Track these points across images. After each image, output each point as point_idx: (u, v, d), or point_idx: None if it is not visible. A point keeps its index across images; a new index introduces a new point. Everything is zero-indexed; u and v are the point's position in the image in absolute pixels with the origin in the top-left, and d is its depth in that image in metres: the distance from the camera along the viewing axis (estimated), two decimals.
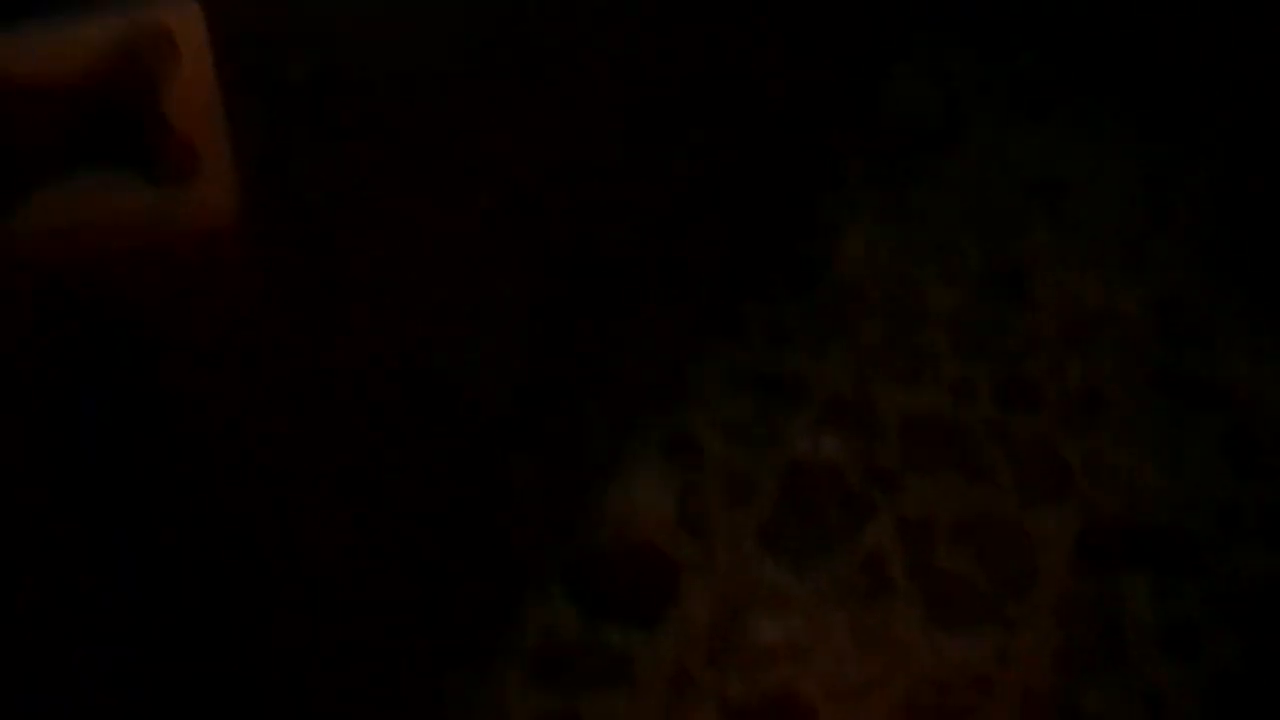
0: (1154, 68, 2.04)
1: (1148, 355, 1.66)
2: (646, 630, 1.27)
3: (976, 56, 2.16)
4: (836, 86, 2.05)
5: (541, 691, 1.21)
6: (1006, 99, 2.07)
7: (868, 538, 1.38)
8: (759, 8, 1.67)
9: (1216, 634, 1.27)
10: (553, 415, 1.47)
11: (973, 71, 2.13)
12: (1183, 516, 1.41)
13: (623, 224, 1.51)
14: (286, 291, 1.17)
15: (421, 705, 1.22)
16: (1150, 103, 2.05)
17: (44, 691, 0.93)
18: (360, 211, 1.20)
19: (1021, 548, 1.37)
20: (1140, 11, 2.03)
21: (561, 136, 1.40)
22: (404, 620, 1.25)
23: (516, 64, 1.38)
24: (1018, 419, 1.54)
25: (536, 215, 1.35)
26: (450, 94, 1.33)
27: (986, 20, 2.10)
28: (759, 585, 1.33)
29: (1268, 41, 1.92)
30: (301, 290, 1.18)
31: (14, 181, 1.09)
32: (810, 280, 1.76)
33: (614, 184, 1.50)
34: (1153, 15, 2.02)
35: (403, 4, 1.37)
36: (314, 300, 1.18)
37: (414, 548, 1.26)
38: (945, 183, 1.97)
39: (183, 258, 1.13)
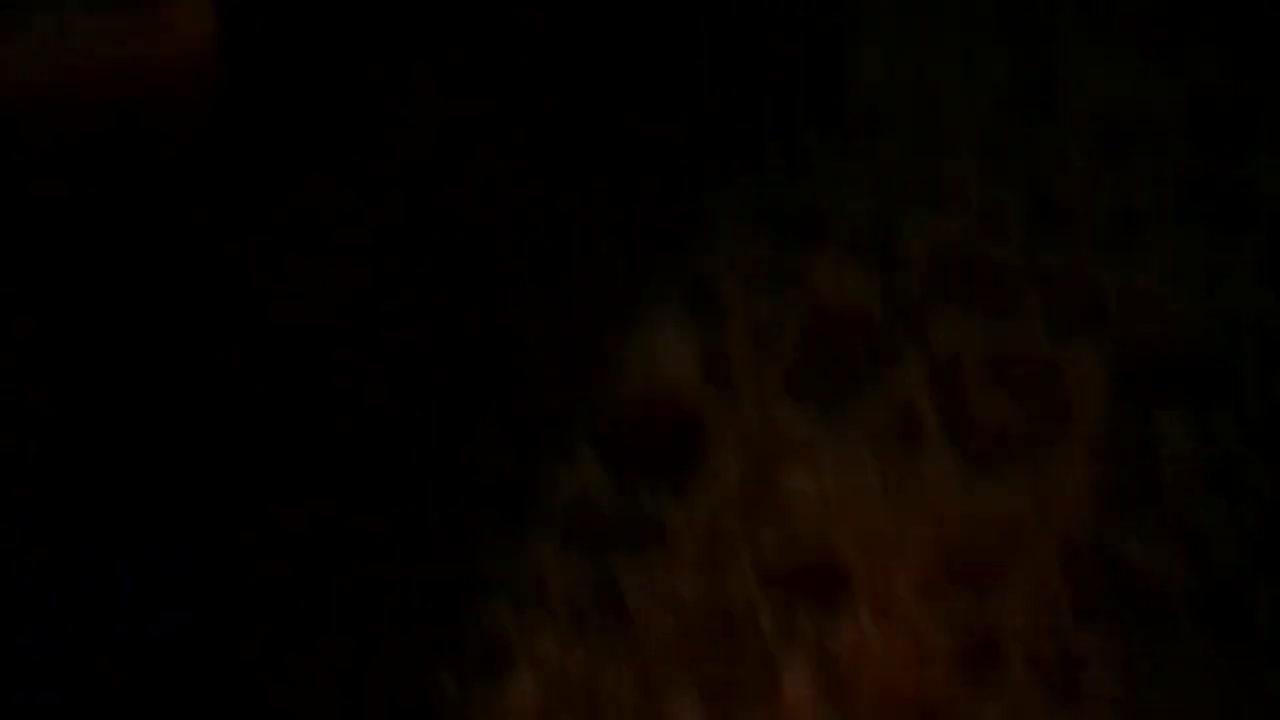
0: None
1: (1184, 164, 1.57)
2: (677, 489, 1.25)
3: None
4: None
5: (576, 556, 1.21)
6: None
7: (897, 381, 1.34)
8: None
9: (1257, 469, 1.25)
10: (565, 262, 1.39)
11: None
12: (1220, 345, 1.37)
13: (630, 60, 1.39)
14: (265, 118, 1.07)
15: (455, 574, 1.22)
16: None
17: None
18: (346, 32, 1.09)
19: (1055, 385, 1.33)
20: None
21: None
22: (429, 488, 1.22)
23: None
24: (1049, 246, 1.47)
25: (540, 58, 1.24)
26: None
27: None
28: (788, 436, 1.30)
29: None
30: (280, 119, 1.08)
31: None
32: (830, 108, 1.65)
33: (619, 22, 1.37)
34: None
35: None
36: (295, 128, 1.08)
37: (430, 406, 1.22)
38: None
39: (162, 82, 1.03)
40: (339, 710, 1.12)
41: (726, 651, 1.15)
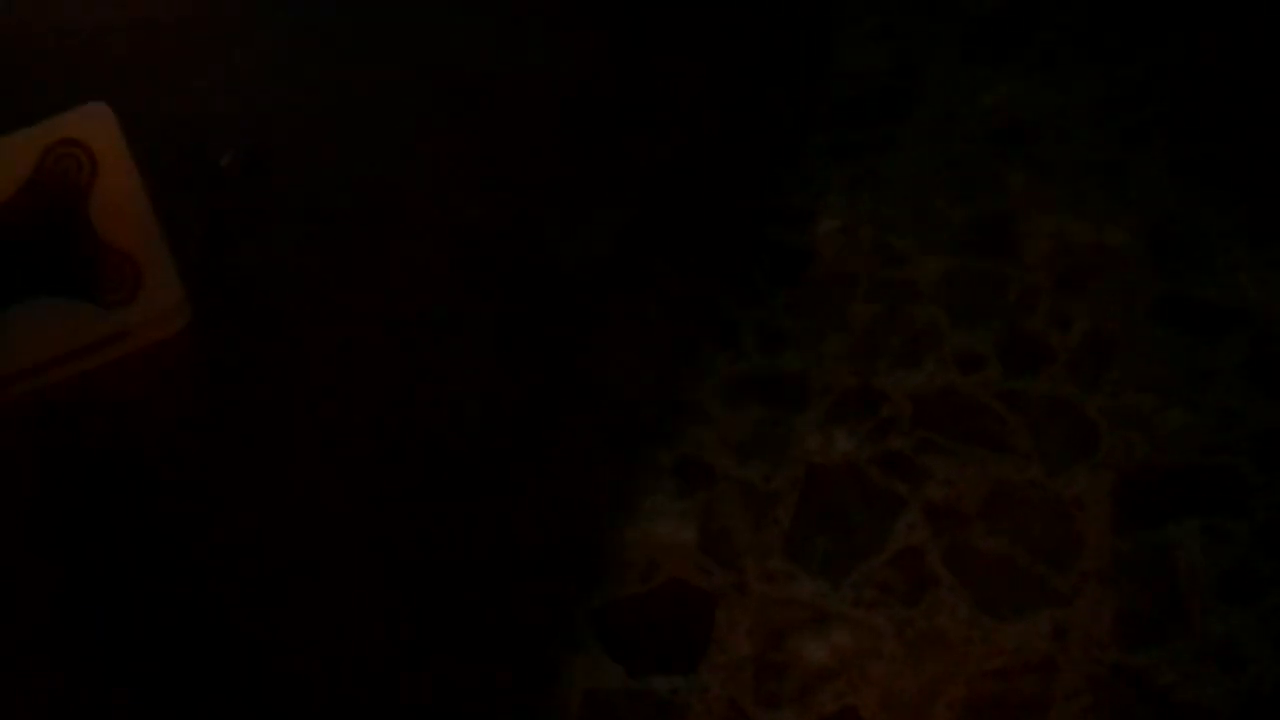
0: None
1: (1149, 288, 1.61)
2: (690, 673, 1.22)
3: (921, 9, 2.11)
4: (781, 66, 2.00)
5: None
6: (959, 49, 2.02)
7: (898, 533, 1.33)
8: (674, 10, 1.61)
9: (1276, 573, 1.21)
10: (549, 463, 1.41)
11: (920, 26, 2.08)
12: (1218, 453, 1.36)
13: (585, 251, 1.46)
14: (244, 384, 1.11)
15: None
16: (1106, 27, 2.00)
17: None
18: (310, 291, 1.15)
19: (1058, 515, 1.31)
20: None
21: (503, 174, 1.34)
22: (435, 708, 1.19)
23: (444, 124, 1.32)
24: (1028, 380, 1.49)
25: (492, 267, 1.30)
26: (384, 160, 1.27)
27: None
28: (796, 604, 1.27)
29: None
30: (259, 379, 1.12)
31: None
32: (794, 272, 1.71)
33: (569, 211, 1.44)
34: None
35: (325, 80, 1.32)
36: (273, 388, 1.12)
37: (424, 629, 1.20)
38: (911, 145, 1.92)
39: (136, 371, 1.08)
40: None
41: None
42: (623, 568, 1.33)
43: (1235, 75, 1.86)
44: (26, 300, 1.05)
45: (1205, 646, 1.16)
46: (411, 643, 1.21)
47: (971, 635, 1.21)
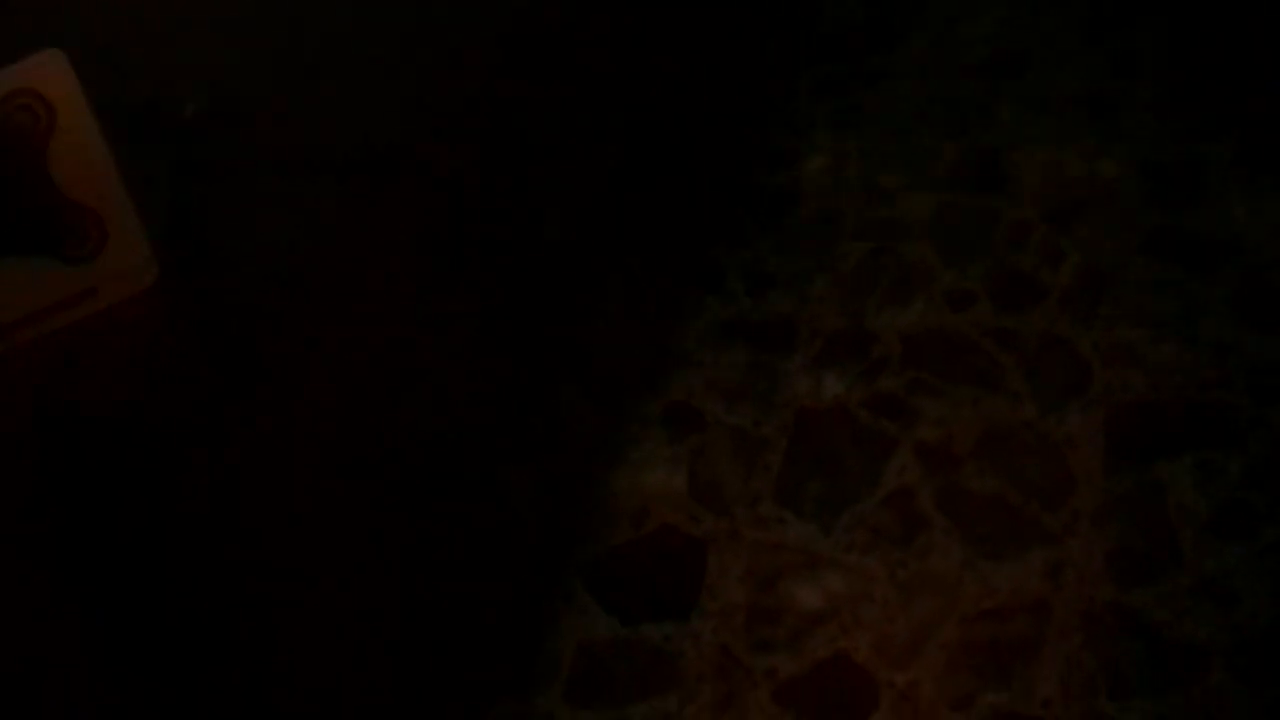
0: None
1: (1141, 221, 1.58)
2: (683, 620, 1.21)
3: None
4: (762, 2, 1.94)
5: (589, 709, 1.16)
6: None
7: (890, 475, 1.31)
8: None
9: (1270, 508, 1.21)
10: (538, 416, 1.39)
11: None
12: (1211, 387, 1.34)
13: (572, 201, 1.42)
14: (213, 340, 1.08)
15: None
16: None
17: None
18: (280, 250, 1.11)
19: (1050, 454, 1.30)
20: None
21: (478, 125, 1.30)
22: (431, 666, 1.18)
23: (422, 68, 1.28)
24: (1020, 318, 1.47)
25: (472, 216, 1.26)
26: (355, 110, 1.23)
27: None
28: (788, 549, 1.26)
29: None
30: (229, 335, 1.09)
31: None
32: (780, 212, 1.68)
33: (552, 161, 1.40)
34: None
35: (291, 28, 1.27)
36: (243, 345, 1.09)
37: (420, 585, 1.19)
38: (898, 79, 1.87)
39: (105, 327, 1.05)
40: None
41: None
42: (613, 517, 1.32)
43: (1226, 2, 1.82)
44: None
45: (1198, 583, 1.15)
46: (405, 601, 1.21)
47: (964, 576, 1.21)
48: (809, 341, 1.49)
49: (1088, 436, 1.31)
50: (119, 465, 1.01)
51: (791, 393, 1.43)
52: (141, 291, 1.06)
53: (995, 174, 1.69)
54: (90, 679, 0.90)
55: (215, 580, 1.00)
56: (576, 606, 1.24)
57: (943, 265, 1.56)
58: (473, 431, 1.25)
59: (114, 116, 1.05)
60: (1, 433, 1.02)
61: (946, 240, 1.60)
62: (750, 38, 1.91)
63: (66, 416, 1.03)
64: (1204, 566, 1.17)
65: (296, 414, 1.06)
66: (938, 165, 1.71)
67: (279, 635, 1.03)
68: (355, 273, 1.16)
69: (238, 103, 1.20)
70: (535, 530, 1.30)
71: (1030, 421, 1.34)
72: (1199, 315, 1.44)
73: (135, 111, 1.15)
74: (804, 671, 1.16)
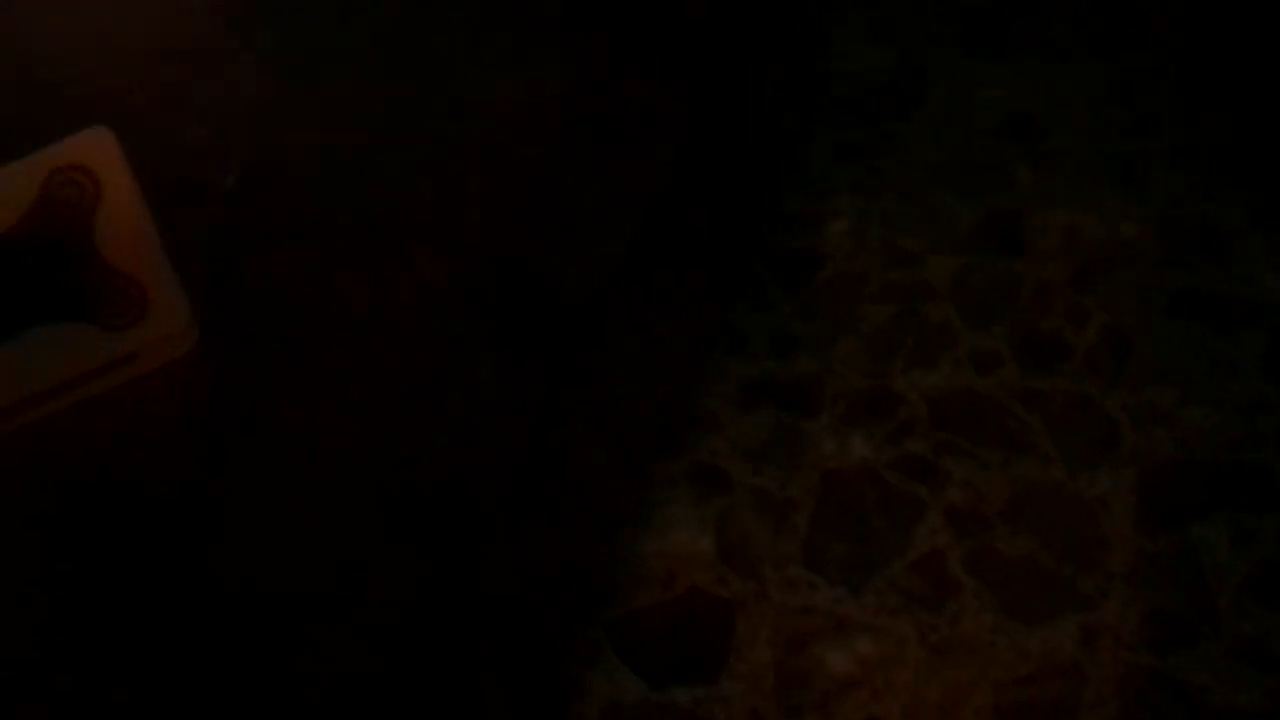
0: None
1: (1165, 282, 1.59)
2: (712, 683, 1.20)
3: (919, 4, 2.09)
4: (779, 68, 1.98)
5: None
6: (959, 44, 2.00)
7: (919, 538, 1.31)
8: (665, 18, 1.60)
9: None
10: (560, 479, 1.39)
11: (919, 21, 2.07)
12: (1243, 448, 1.34)
13: (588, 265, 1.44)
14: (251, 404, 1.10)
15: None
16: (1110, 15, 1.98)
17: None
18: (314, 313, 1.13)
19: (1082, 516, 1.29)
20: None
21: (503, 194, 1.33)
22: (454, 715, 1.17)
23: (444, 138, 1.31)
24: (1047, 378, 1.47)
25: (495, 282, 1.28)
26: (378, 178, 1.26)
27: None
28: (817, 612, 1.25)
29: None
30: (266, 399, 1.11)
31: None
32: (803, 275, 1.69)
33: (569, 226, 1.42)
34: None
35: (323, 98, 1.31)
36: (279, 408, 1.11)
37: (439, 650, 1.19)
38: (916, 143, 1.90)
39: (143, 395, 1.06)
40: None
41: None
42: (640, 579, 1.31)
43: (1245, 61, 1.84)
44: (33, 327, 1.04)
45: (1236, 647, 1.13)
46: (427, 664, 1.20)
47: (997, 641, 1.19)
48: (834, 403, 1.49)
49: (1119, 497, 1.30)
50: (142, 526, 1.02)
51: (817, 454, 1.43)
52: (182, 357, 1.08)
53: (1016, 236, 1.70)
54: None
55: (232, 636, 1.00)
56: (603, 668, 1.24)
57: (967, 327, 1.57)
58: (495, 495, 1.25)
59: (155, 188, 1.08)
60: (32, 496, 1.03)
61: (970, 302, 1.60)
62: (767, 104, 1.95)
63: (98, 481, 1.04)
64: (1241, 630, 1.15)
65: (312, 472, 1.07)
66: (958, 228, 1.73)
67: (294, 695, 1.02)
68: (375, 337, 1.17)
69: (271, 172, 1.23)
70: (559, 590, 1.29)
71: (1061, 483, 1.34)
72: (1227, 375, 1.43)
73: (175, 183, 1.19)
74: None
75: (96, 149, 1.04)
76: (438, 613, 1.24)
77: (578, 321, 1.44)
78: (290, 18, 1.37)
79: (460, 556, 1.24)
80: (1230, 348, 1.47)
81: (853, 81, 2.02)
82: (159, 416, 1.07)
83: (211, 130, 1.26)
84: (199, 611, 1.00)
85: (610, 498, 1.42)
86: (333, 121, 1.32)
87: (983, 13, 2.04)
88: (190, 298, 1.08)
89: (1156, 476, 1.32)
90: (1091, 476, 1.33)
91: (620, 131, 1.53)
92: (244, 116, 1.27)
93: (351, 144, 1.29)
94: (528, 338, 1.36)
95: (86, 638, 0.95)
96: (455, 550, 1.22)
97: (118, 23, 1.28)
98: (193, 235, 1.16)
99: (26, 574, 0.98)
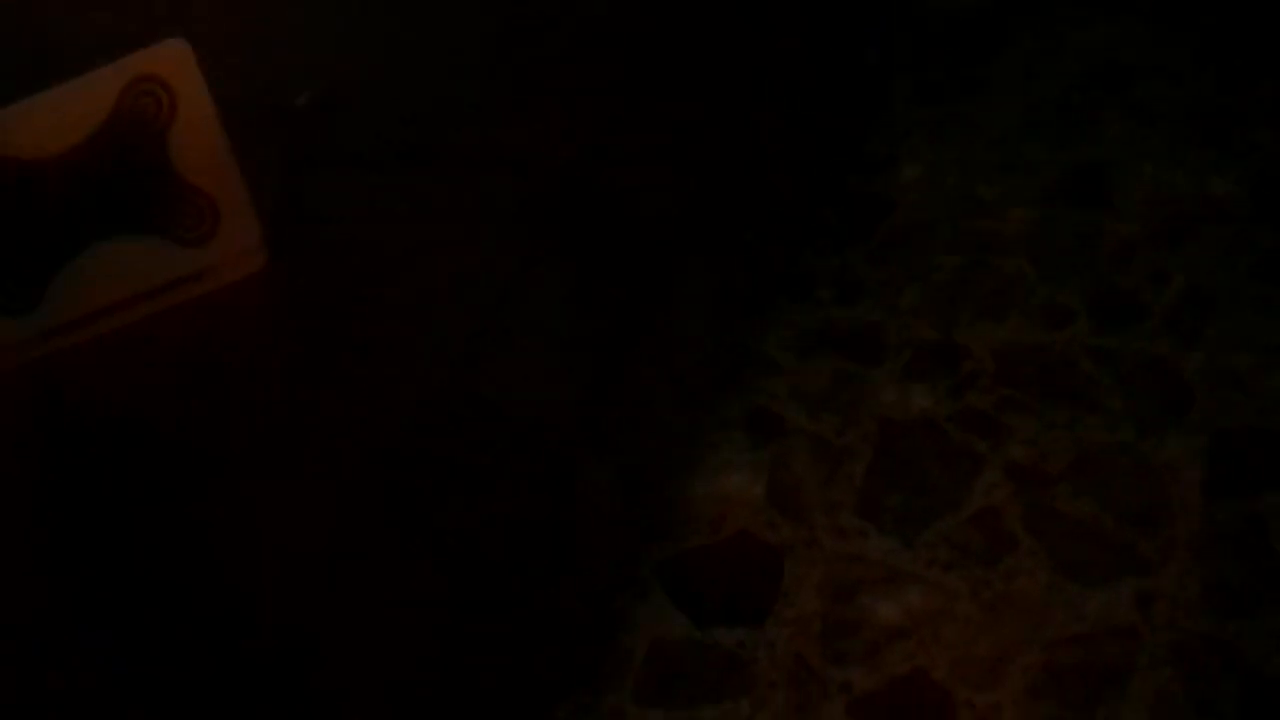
0: None
1: (1253, 242, 1.52)
2: (757, 626, 1.21)
3: None
4: (865, 5, 1.92)
5: (660, 709, 1.16)
6: None
7: (977, 492, 1.29)
8: None
9: None
10: (618, 414, 1.39)
11: None
12: None
13: (659, 200, 1.42)
14: (321, 329, 1.11)
15: None
16: None
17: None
18: (384, 237, 1.14)
19: (1147, 479, 1.26)
20: None
21: (578, 124, 1.31)
22: (499, 658, 1.19)
23: (521, 65, 1.29)
24: (1120, 337, 1.42)
25: (566, 211, 1.27)
26: (458, 105, 1.25)
27: None
28: (867, 561, 1.24)
29: None
30: (334, 321, 1.12)
31: (29, 267, 1.04)
32: (873, 220, 1.66)
33: (646, 158, 1.40)
34: None
35: (397, 22, 1.29)
36: (347, 330, 1.12)
37: (494, 581, 1.20)
38: (1001, 89, 1.83)
39: (216, 312, 1.08)
40: None
41: None
42: (691, 520, 1.32)
43: None
44: (107, 239, 1.05)
45: None
46: (479, 594, 1.22)
47: (1051, 600, 1.17)
48: (897, 352, 1.47)
49: (1187, 463, 1.27)
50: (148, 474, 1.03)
51: (877, 403, 1.41)
52: (253, 274, 1.09)
53: (1099, 189, 1.64)
54: (95, 681, 0.91)
55: (277, 567, 1.02)
56: (651, 605, 1.25)
57: (1040, 280, 1.52)
58: (554, 418, 1.25)
59: (230, 104, 1.08)
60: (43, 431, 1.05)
61: (1045, 255, 1.56)
62: (850, 42, 1.89)
63: (174, 395, 1.07)
64: None
65: (384, 396, 1.08)
66: (1038, 178, 1.67)
67: (328, 626, 1.05)
68: (452, 264, 1.17)
69: (346, 95, 1.23)
70: (612, 524, 1.30)
71: (1127, 444, 1.30)
72: None
73: (250, 100, 1.19)
74: (880, 686, 1.14)
75: (173, 62, 1.04)
76: (494, 542, 1.25)
77: (648, 254, 1.43)
78: None
79: (520, 486, 1.25)
80: None
81: (938, 21, 1.95)
82: (233, 331, 1.09)
83: (290, 51, 1.26)
84: (247, 549, 1.02)
85: (666, 434, 1.42)
86: (410, 49, 1.31)
87: None
88: (261, 216, 1.09)
89: (1227, 443, 1.28)
90: (1160, 440, 1.29)
91: (695, 62, 1.50)
92: (319, 38, 1.27)
93: (427, 71, 1.28)
94: (598, 269, 1.36)
95: (80, 599, 0.97)
96: (517, 479, 1.24)
97: None
98: (266, 154, 1.16)
99: (19, 518, 0.99)
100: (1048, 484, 1.28)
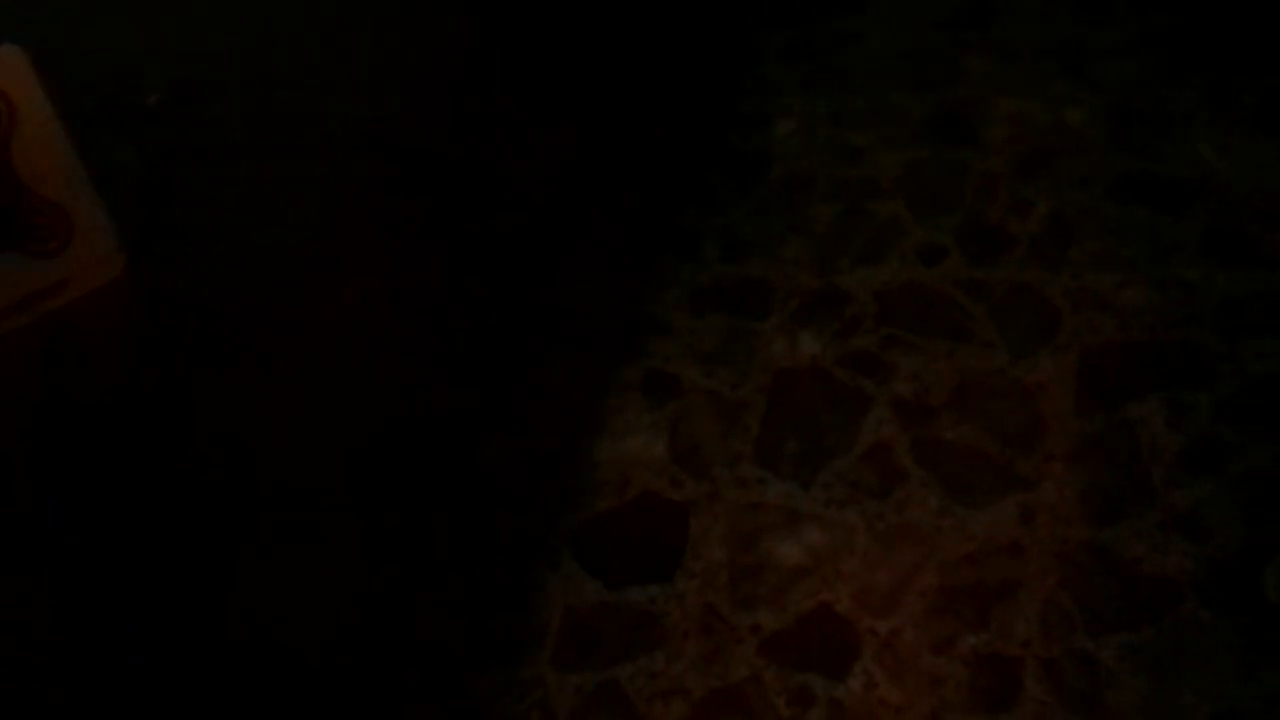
0: None
1: (1109, 166, 1.59)
2: (668, 582, 1.23)
3: None
4: None
5: (577, 671, 1.18)
6: None
7: (866, 431, 1.33)
8: None
9: (1240, 441, 1.23)
10: (517, 386, 1.41)
11: None
12: (1180, 326, 1.36)
13: (542, 173, 1.43)
14: (186, 327, 1.10)
15: (461, 712, 1.19)
16: None
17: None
18: (246, 226, 1.12)
19: (1022, 401, 1.32)
20: None
21: (446, 102, 1.31)
22: (419, 638, 1.20)
23: (386, 44, 1.28)
24: (990, 269, 1.48)
25: (444, 192, 1.27)
26: (316, 88, 1.24)
27: None
28: (769, 507, 1.28)
29: None
30: (201, 324, 1.10)
31: None
32: (753, 177, 1.69)
33: (523, 133, 1.41)
34: None
35: (246, 11, 1.27)
36: (222, 326, 1.10)
37: (404, 563, 1.21)
38: (867, 37, 1.88)
39: (78, 320, 1.06)
40: None
41: None
42: (596, 485, 1.34)
43: None
44: None
45: (1170, 518, 1.17)
46: (392, 577, 1.22)
47: (942, 525, 1.22)
48: (784, 303, 1.50)
49: (1059, 381, 1.33)
50: (101, 445, 1.02)
51: (768, 355, 1.45)
52: (112, 280, 1.07)
53: (964, 127, 1.69)
54: (67, 647, 0.91)
55: (194, 553, 1.02)
56: (563, 574, 1.26)
57: (914, 221, 1.57)
58: (452, 402, 1.26)
59: (76, 107, 1.06)
60: None
61: (917, 196, 1.60)
62: (716, 3, 1.91)
63: (49, 402, 1.05)
64: (1175, 501, 1.18)
65: (269, 393, 1.07)
66: (907, 122, 1.72)
67: (259, 611, 1.05)
68: (327, 250, 1.17)
69: (200, 88, 1.20)
70: (519, 500, 1.32)
71: (1003, 369, 1.36)
72: (1168, 256, 1.45)
73: (98, 101, 1.16)
74: (787, 625, 1.18)
75: (7, 70, 1.02)
76: (402, 526, 1.26)
77: (531, 230, 1.44)
78: None
79: (422, 469, 1.25)
80: (1172, 229, 1.48)
81: None
82: (100, 337, 1.07)
83: (137, 51, 1.23)
84: (153, 531, 1.01)
85: (565, 406, 1.44)
86: (267, 34, 1.29)
87: None
88: (121, 220, 1.07)
89: (1095, 358, 1.34)
90: (1032, 362, 1.35)
91: (573, 42, 1.50)
92: (165, 32, 1.24)
93: (280, 58, 1.26)
94: (479, 246, 1.36)
95: (47, 558, 0.96)
96: (417, 464, 1.24)
97: None
98: (120, 158, 1.14)
99: None
100: (932, 416, 1.33)
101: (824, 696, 1.11)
